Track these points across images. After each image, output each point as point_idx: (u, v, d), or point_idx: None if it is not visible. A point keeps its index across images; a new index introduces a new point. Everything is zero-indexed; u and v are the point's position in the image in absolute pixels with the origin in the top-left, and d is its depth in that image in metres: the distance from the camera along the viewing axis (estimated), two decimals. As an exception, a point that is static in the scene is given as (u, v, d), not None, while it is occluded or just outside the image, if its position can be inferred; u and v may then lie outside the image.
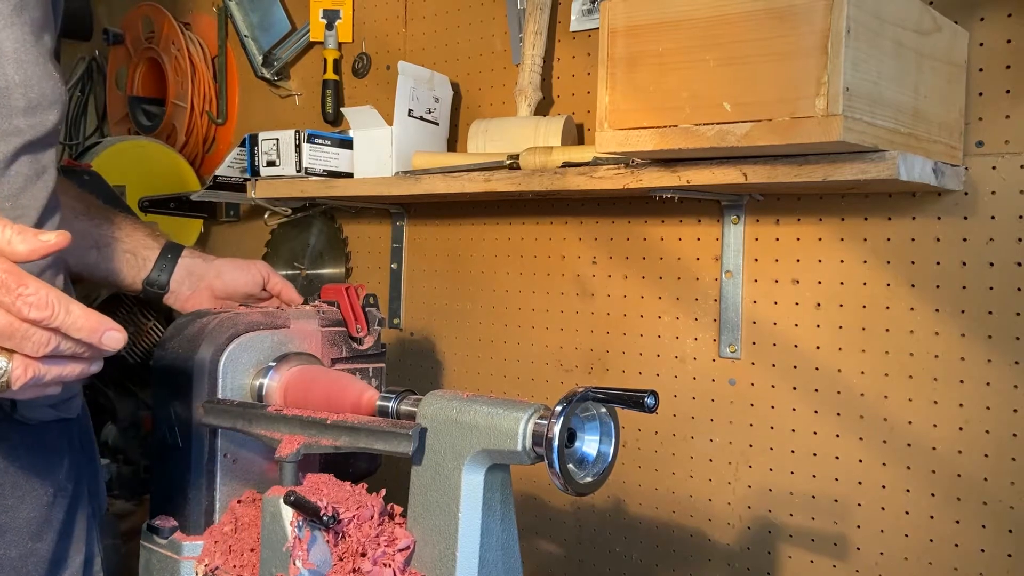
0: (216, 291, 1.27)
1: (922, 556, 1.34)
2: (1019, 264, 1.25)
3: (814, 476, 1.44)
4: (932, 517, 1.33)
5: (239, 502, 1.05)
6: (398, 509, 0.94)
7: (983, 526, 1.29)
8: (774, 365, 1.48)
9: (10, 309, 0.65)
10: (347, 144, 1.88)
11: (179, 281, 1.25)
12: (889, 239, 1.36)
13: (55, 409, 0.97)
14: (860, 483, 1.39)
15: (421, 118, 1.80)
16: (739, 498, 1.52)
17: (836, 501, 1.42)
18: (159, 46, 2.47)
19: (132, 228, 1.24)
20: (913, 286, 1.34)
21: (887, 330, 1.36)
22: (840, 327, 1.41)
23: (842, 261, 1.41)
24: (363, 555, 0.89)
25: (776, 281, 1.47)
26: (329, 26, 2.11)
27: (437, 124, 1.84)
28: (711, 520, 1.55)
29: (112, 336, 0.70)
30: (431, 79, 1.81)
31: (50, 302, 0.67)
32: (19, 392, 0.70)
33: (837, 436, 1.41)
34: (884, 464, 1.37)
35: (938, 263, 1.32)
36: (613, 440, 0.88)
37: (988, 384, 1.28)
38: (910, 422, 1.35)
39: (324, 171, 1.86)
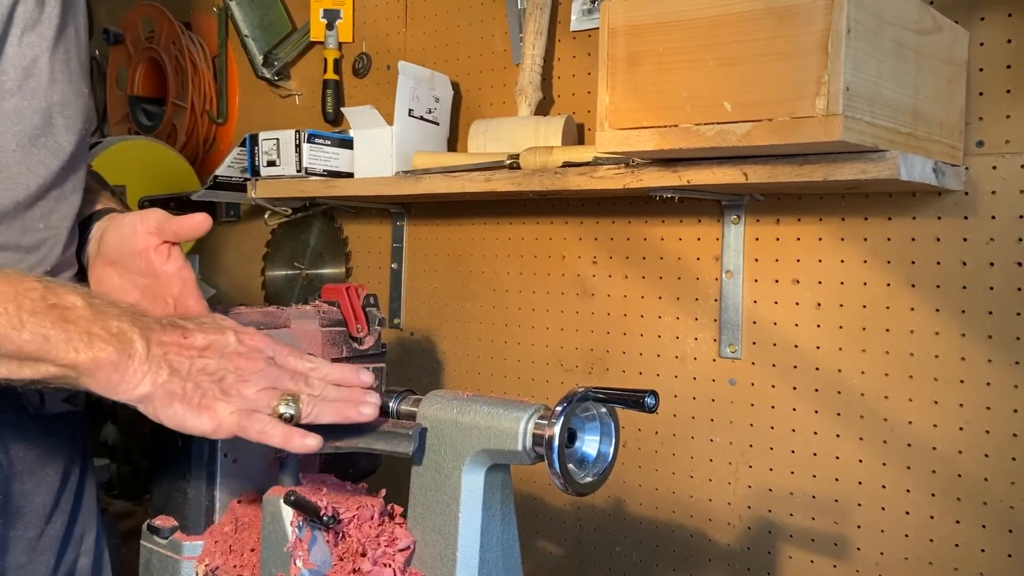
0: (106, 257, 0.99)
1: (922, 556, 1.34)
2: (1019, 264, 1.25)
3: (814, 476, 1.44)
4: (932, 517, 1.33)
5: (239, 502, 1.04)
6: (398, 509, 0.94)
7: (983, 526, 1.29)
8: (774, 365, 1.48)
9: (308, 376, 0.87)
10: (347, 144, 1.87)
11: (91, 251, 1.01)
12: (889, 239, 1.36)
13: (68, 403, 1.04)
14: (860, 483, 1.39)
15: (421, 118, 1.80)
16: (739, 498, 1.52)
17: (836, 501, 1.42)
18: (159, 46, 2.47)
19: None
20: (913, 286, 1.34)
21: (887, 330, 1.36)
22: (840, 327, 1.41)
23: (842, 261, 1.40)
24: (363, 555, 0.89)
25: (776, 281, 1.47)
26: (329, 26, 2.11)
27: (437, 124, 1.84)
28: (711, 520, 1.55)
29: (364, 377, 0.90)
30: (431, 79, 1.81)
31: (318, 367, 0.88)
32: (294, 442, 0.82)
33: (837, 436, 1.41)
34: (884, 464, 1.37)
35: (938, 263, 1.32)
36: (613, 440, 0.88)
37: (988, 384, 1.28)
38: (910, 422, 1.35)
39: (324, 171, 1.86)
